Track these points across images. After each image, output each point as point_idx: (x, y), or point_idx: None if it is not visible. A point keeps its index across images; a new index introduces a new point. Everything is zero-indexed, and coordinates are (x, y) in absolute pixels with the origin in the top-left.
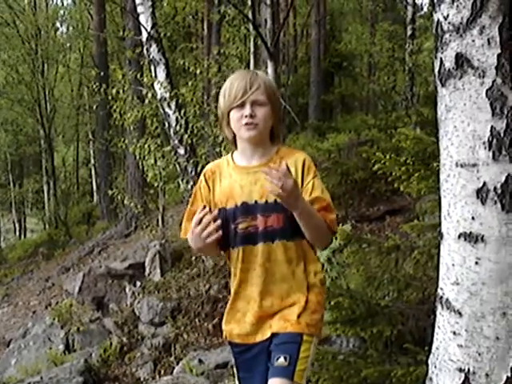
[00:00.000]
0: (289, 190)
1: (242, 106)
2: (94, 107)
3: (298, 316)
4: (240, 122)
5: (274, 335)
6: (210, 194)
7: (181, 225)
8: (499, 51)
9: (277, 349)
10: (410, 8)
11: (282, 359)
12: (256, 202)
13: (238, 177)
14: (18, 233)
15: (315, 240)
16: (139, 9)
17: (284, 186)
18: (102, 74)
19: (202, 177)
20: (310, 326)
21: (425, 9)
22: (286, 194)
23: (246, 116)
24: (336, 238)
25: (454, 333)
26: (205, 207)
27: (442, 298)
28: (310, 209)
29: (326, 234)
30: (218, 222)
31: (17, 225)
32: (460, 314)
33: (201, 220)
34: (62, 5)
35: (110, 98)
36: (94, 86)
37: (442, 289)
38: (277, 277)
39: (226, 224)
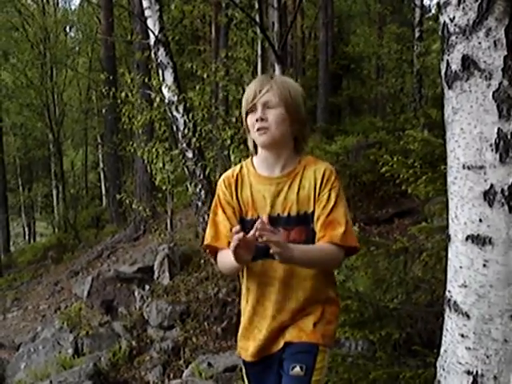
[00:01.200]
0: (278, 253)
1: (254, 109)
2: (103, 111)
3: (314, 326)
4: (254, 128)
5: (287, 344)
6: (232, 200)
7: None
8: (505, 53)
9: (292, 358)
10: (417, 10)
11: (297, 369)
12: (278, 215)
13: (260, 187)
14: (27, 237)
15: (327, 269)
16: (147, 13)
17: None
18: (110, 77)
19: (220, 185)
20: (325, 337)
21: (433, 10)
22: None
23: (256, 120)
24: None
25: (462, 335)
26: (232, 230)
27: (449, 300)
28: (306, 254)
29: (332, 259)
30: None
31: (26, 229)
32: (468, 316)
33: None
34: (71, 9)
35: (118, 101)
36: (103, 90)
37: (449, 291)
38: (296, 291)
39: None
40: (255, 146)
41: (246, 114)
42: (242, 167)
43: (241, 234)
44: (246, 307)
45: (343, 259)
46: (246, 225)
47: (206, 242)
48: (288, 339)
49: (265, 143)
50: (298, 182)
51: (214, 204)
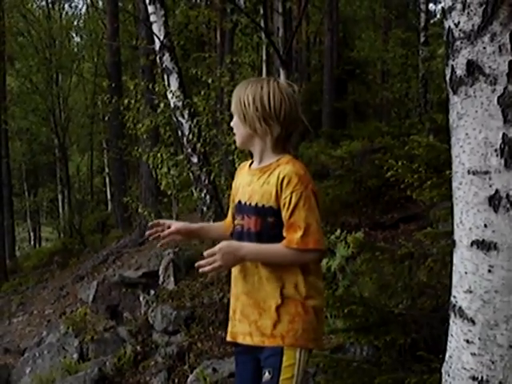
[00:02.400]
0: (222, 265)
1: None
2: (107, 117)
3: (274, 327)
4: None
5: (257, 348)
6: (235, 187)
7: None
8: (510, 58)
9: (264, 363)
10: (422, 15)
11: (266, 374)
12: (245, 202)
13: (243, 177)
14: (32, 242)
15: (287, 265)
16: (152, 18)
17: (216, 263)
18: (115, 83)
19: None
20: (288, 337)
21: (438, 15)
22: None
23: None
24: (349, 247)
25: (468, 341)
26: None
27: (454, 306)
28: (259, 251)
29: (291, 259)
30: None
31: (32, 234)
32: (473, 322)
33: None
34: (76, 14)
35: (122, 107)
36: (107, 96)
37: (454, 297)
38: (251, 279)
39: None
40: None
41: None
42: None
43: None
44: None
45: (312, 259)
46: (237, 206)
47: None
48: (255, 342)
49: (237, 146)
50: (265, 177)
51: None
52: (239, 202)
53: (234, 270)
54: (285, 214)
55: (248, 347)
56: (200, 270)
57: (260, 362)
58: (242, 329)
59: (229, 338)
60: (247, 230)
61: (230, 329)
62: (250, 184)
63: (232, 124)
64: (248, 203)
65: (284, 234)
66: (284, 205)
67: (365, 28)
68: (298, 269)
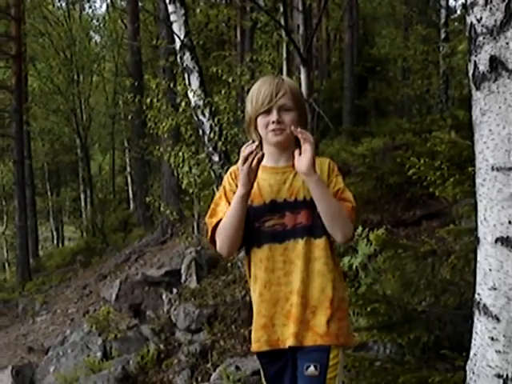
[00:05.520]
0: (311, 142)
1: (268, 111)
2: (131, 116)
3: (327, 324)
4: (267, 128)
5: (293, 348)
6: None
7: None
8: None
9: (305, 357)
10: (443, 11)
11: (312, 368)
12: (285, 200)
13: (266, 176)
14: (55, 241)
15: (332, 222)
16: (172, 17)
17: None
18: (136, 82)
19: (227, 177)
20: (340, 337)
21: (458, 11)
22: (311, 145)
23: (273, 122)
24: (371, 244)
25: (492, 338)
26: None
27: (479, 303)
28: (327, 190)
29: (343, 218)
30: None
31: (55, 233)
32: (498, 319)
33: (246, 158)
34: (95, 15)
35: (144, 106)
36: (129, 96)
37: (479, 294)
38: (304, 275)
39: (251, 222)
40: (261, 143)
41: (257, 114)
42: None
43: (254, 145)
44: (254, 297)
45: (350, 234)
46: (253, 210)
47: (209, 228)
48: (304, 343)
49: (280, 143)
50: None
51: (217, 196)
52: (273, 201)
53: (266, 274)
54: (334, 192)
55: (280, 351)
56: (297, 132)
57: (288, 360)
58: (287, 332)
59: (264, 348)
60: (297, 225)
61: (265, 338)
62: (286, 181)
63: (289, 120)
64: (293, 199)
65: None
66: (334, 186)
67: (385, 25)
68: (336, 263)
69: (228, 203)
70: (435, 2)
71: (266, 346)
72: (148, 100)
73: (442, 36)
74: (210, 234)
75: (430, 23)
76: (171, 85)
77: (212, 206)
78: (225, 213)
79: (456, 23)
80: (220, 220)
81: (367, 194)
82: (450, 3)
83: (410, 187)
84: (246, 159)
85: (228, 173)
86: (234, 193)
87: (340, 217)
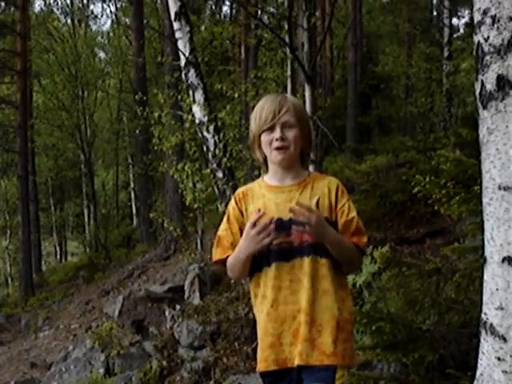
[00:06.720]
0: (313, 225)
1: (272, 128)
2: (135, 132)
3: (334, 344)
4: (271, 146)
5: (305, 366)
6: (242, 217)
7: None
8: None
9: (312, 376)
10: (446, 29)
11: None
12: (291, 218)
13: (272, 195)
14: (58, 256)
15: (348, 264)
16: (177, 34)
17: (309, 221)
18: (142, 98)
19: (232, 201)
20: (346, 357)
21: (461, 30)
22: (311, 228)
23: (276, 139)
24: (375, 262)
25: (499, 358)
26: (259, 210)
27: (485, 323)
28: (339, 237)
29: (357, 258)
30: (272, 226)
31: (58, 248)
32: (505, 339)
33: (255, 223)
34: (100, 31)
35: (149, 122)
36: (135, 111)
37: (485, 314)
38: (310, 293)
39: None
40: (265, 161)
41: (261, 132)
42: (254, 184)
43: (261, 212)
44: (260, 316)
45: (360, 263)
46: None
47: (214, 259)
48: (310, 362)
49: (283, 161)
50: (309, 190)
51: (224, 220)
52: (279, 220)
53: (273, 293)
54: (347, 220)
55: (286, 371)
56: (292, 210)
57: (292, 380)
58: (295, 351)
59: (271, 367)
60: (303, 242)
61: (272, 357)
62: (292, 200)
63: (292, 137)
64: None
65: (349, 237)
66: (343, 212)
67: (388, 43)
68: (347, 282)
69: (230, 230)
70: (438, 20)
71: (274, 366)
72: (156, 115)
73: (446, 54)
74: (213, 262)
75: (434, 41)
76: (179, 97)
77: (218, 232)
78: (228, 241)
79: (459, 42)
80: (226, 257)
81: (371, 211)
82: (453, 22)
83: (413, 205)
84: (254, 224)
85: (234, 195)
86: (237, 219)
87: (354, 259)
